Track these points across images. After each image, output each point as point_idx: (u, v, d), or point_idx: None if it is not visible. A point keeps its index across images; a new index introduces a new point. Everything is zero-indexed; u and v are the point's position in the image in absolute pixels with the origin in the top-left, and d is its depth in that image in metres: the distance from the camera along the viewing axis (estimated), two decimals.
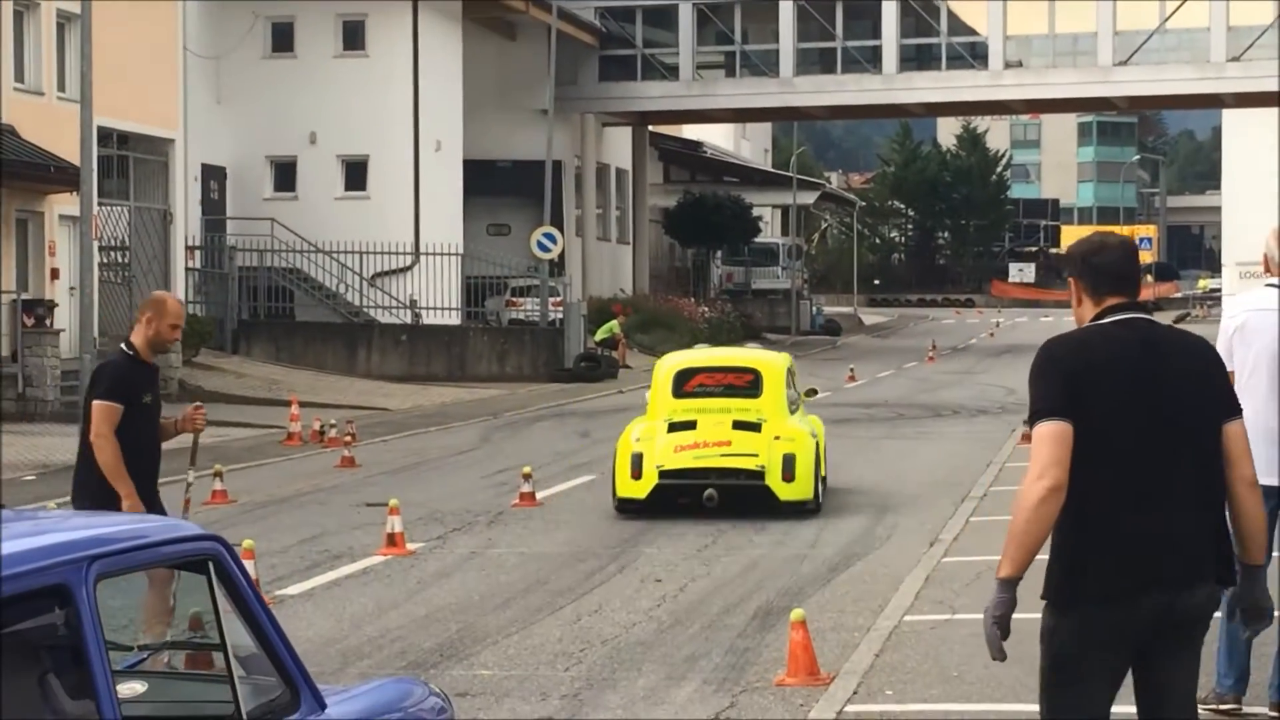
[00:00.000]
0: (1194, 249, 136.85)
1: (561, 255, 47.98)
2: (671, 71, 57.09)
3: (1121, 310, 5.56)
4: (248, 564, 10.13)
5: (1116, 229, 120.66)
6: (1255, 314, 7.76)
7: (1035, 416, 5.42)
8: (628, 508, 18.24)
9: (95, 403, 9.85)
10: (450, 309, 45.42)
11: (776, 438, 18.22)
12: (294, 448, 26.12)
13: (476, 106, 50.70)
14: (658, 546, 16.11)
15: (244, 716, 5.09)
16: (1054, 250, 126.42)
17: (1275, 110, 60.41)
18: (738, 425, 18.47)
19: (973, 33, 56.66)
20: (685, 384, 19.07)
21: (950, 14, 56.61)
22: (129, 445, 9.74)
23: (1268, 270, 8.05)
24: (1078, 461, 5.32)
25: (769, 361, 19.60)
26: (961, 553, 15.08)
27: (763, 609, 12.93)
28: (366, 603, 13.49)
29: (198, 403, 11.08)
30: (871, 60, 55.91)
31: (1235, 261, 75.10)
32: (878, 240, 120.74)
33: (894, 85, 56.14)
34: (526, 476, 19.31)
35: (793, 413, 18.92)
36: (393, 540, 15.80)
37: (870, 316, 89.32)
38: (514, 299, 48.84)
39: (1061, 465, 5.30)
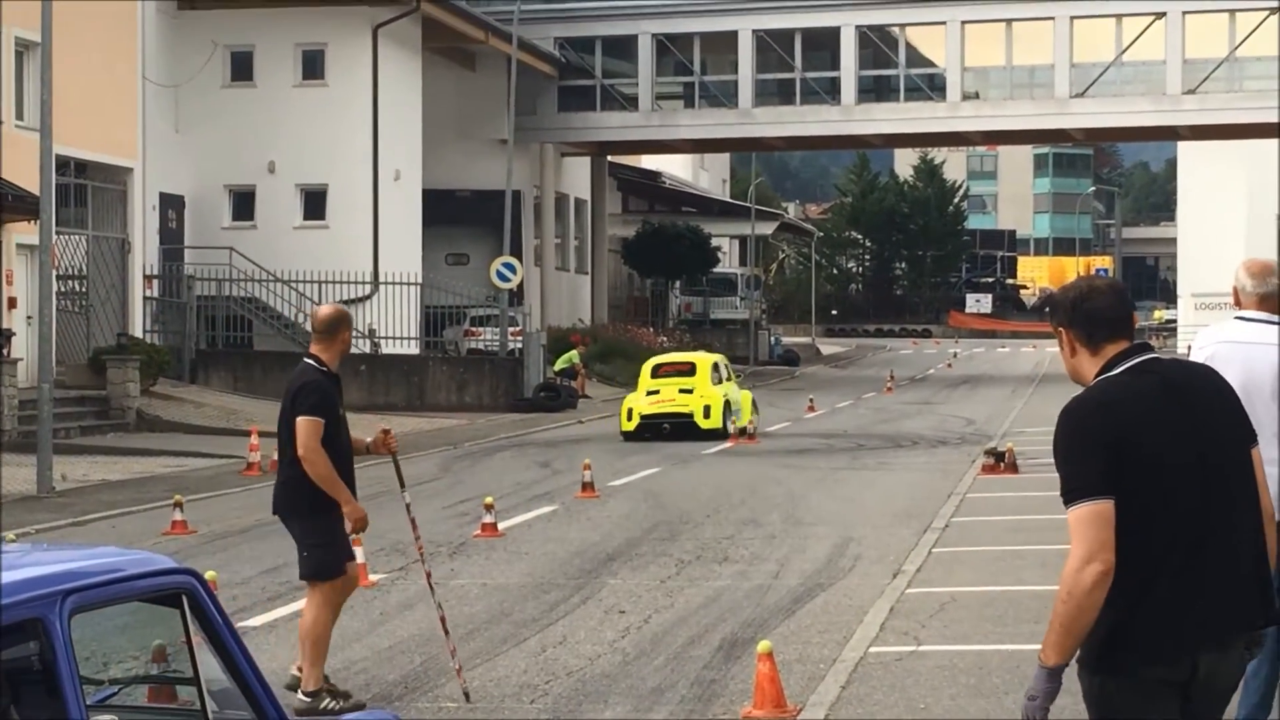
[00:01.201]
0: (1149, 280, 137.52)
1: (520, 285, 48.00)
2: (630, 102, 57.22)
3: (1128, 356, 5.30)
4: None
5: (1072, 260, 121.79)
6: (1224, 346, 7.74)
7: (1072, 496, 5.09)
8: (628, 437, 33.24)
9: (301, 419, 10.29)
10: (409, 339, 45.38)
11: (701, 397, 33.58)
12: (254, 477, 25.97)
13: (436, 136, 50.72)
14: (621, 577, 16.08)
15: None
16: (1010, 281, 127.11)
17: (1229, 143, 61.02)
18: (681, 391, 33.88)
19: (931, 64, 57.00)
20: (656, 371, 34.89)
21: (908, 46, 56.94)
22: (331, 454, 10.29)
23: (1237, 303, 8.01)
24: (1126, 527, 5.06)
25: (702, 358, 35.73)
26: (925, 584, 15.09)
27: (727, 640, 12.89)
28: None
29: (386, 427, 11.37)
30: (830, 91, 56.17)
31: (1190, 292, 75.68)
32: (835, 270, 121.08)
33: (852, 116, 56.42)
34: (488, 507, 19.26)
35: (717, 384, 34.29)
36: None
37: (828, 346, 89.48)
38: (473, 329, 48.84)
39: (1109, 548, 5.01)
